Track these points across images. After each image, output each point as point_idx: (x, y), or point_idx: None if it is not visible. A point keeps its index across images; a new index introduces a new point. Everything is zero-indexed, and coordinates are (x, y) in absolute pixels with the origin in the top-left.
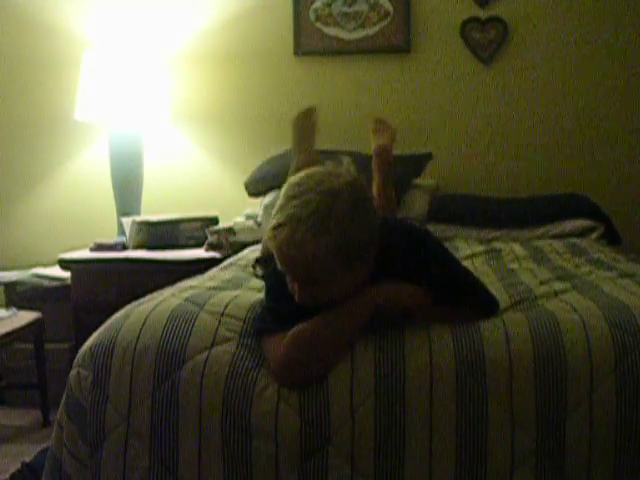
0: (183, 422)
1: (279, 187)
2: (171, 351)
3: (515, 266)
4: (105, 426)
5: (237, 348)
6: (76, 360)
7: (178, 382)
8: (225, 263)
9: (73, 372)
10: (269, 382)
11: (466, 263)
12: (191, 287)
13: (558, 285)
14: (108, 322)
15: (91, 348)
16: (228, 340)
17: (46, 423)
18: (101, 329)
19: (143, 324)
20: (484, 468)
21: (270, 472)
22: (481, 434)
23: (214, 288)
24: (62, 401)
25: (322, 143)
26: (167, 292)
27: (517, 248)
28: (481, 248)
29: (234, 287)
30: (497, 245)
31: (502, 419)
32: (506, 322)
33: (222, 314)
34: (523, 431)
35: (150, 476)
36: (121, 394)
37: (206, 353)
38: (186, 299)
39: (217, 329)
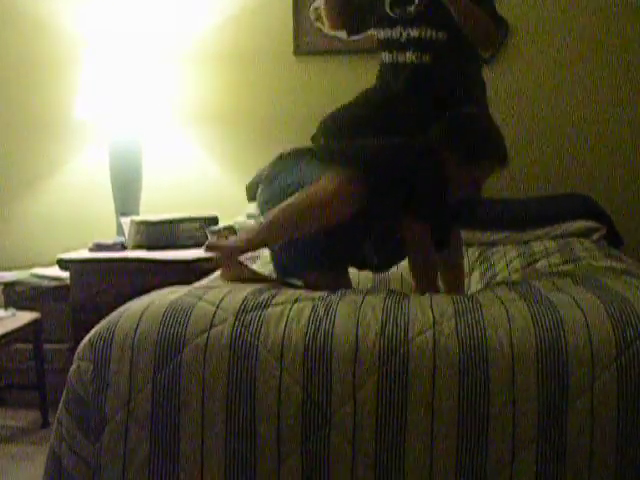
0: (185, 405)
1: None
2: (170, 336)
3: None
4: (105, 414)
5: (234, 326)
6: (76, 354)
7: (179, 366)
8: None
9: (73, 366)
10: (270, 353)
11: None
12: (189, 285)
13: (559, 280)
14: (107, 317)
15: (90, 340)
16: (224, 320)
17: (45, 424)
18: (100, 323)
19: (142, 314)
20: (485, 454)
21: (272, 453)
22: (483, 420)
23: (213, 287)
24: (62, 398)
25: None
26: (165, 290)
27: (513, 252)
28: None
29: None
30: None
31: (504, 406)
32: (509, 313)
33: (220, 301)
34: (525, 418)
35: (150, 463)
36: (121, 381)
37: (205, 335)
38: (185, 293)
39: (215, 313)
